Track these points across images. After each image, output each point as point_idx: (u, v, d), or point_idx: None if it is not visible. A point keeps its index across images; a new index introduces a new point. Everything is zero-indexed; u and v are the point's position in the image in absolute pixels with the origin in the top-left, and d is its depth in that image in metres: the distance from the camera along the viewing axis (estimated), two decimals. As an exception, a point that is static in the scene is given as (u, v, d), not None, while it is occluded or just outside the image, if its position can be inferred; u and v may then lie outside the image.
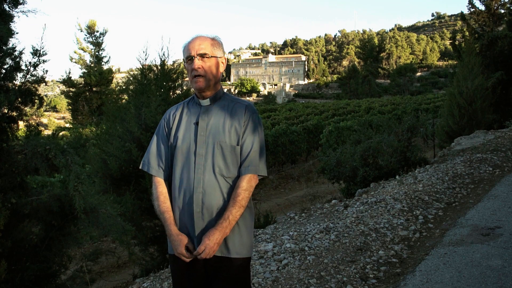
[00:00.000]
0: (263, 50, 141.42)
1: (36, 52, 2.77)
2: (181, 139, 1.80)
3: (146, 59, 5.00)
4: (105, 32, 26.96)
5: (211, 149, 1.75)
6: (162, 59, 5.08)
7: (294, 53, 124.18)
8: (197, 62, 1.74)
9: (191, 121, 1.82)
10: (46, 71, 2.83)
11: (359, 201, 5.09)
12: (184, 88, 5.42)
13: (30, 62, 2.77)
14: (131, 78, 5.16)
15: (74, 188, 2.58)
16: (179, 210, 1.77)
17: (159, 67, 5.07)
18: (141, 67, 5.03)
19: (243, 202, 1.72)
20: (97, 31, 26.70)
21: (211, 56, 1.77)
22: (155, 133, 1.92)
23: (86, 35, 26.52)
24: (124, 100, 5.32)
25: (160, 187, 1.83)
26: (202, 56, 1.75)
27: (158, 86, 4.91)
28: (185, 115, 1.85)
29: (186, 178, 1.75)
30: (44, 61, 2.82)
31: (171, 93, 5.16)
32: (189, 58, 1.76)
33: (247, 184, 1.75)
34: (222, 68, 1.85)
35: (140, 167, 1.92)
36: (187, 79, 5.78)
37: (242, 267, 1.79)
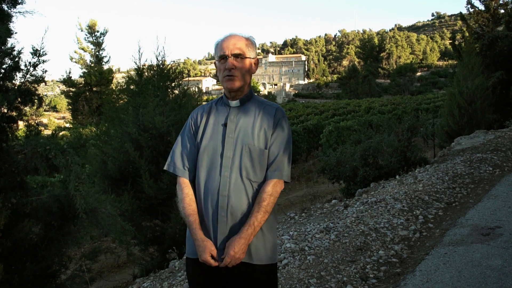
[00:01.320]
0: (263, 50, 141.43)
1: (36, 52, 2.77)
2: (207, 140, 1.75)
3: (140, 59, 4.98)
4: (106, 32, 27.00)
5: (239, 152, 1.70)
6: (158, 59, 5.07)
7: (294, 53, 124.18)
8: (231, 62, 1.70)
9: (219, 122, 1.76)
10: (46, 71, 2.83)
11: (359, 201, 5.09)
12: (185, 88, 5.42)
13: (29, 62, 2.78)
14: (127, 79, 5.16)
15: (75, 188, 2.58)
16: (203, 212, 1.72)
17: (155, 67, 5.06)
18: (137, 67, 5.02)
19: (269, 207, 1.67)
20: (98, 31, 26.74)
21: (245, 57, 1.73)
22: (181, 133, 1.87)
23: (86, 35, 26.56)
24: (122, 101, 5.32)
25: (186, 188, 1.77)
26: (237, 56, 1.71)
27: (155, 87, 4.90)
28: (213, 115, 1.80)
29: (212, 181, 1.70)
30: (43, 61, 2.82)
31: (170, 93, 5.16)
32: (222, 57, 1.71)
33: (273, 189, 1.70)
34: (253, 70, 1.80)
35: (164, 168, 1.85)
36: (186, 79, 5.79)
37: (267, 274, 1.72)
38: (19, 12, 2.68)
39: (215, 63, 1.82)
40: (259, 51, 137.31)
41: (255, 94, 1.86)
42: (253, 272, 1.69)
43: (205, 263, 1.64)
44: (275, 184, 1.71)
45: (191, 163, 1.79)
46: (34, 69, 2.79)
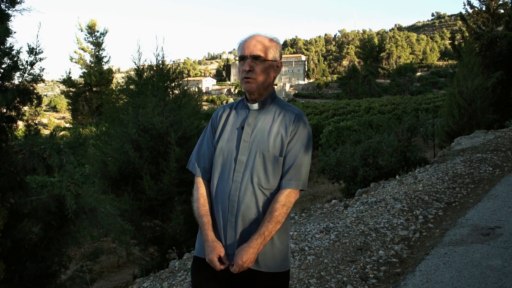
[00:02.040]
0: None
1: (32, 50, 2.76)
2: (224, 143, 1.71)
3: (139, 59, 4.98)
4: (106, 32, 26.97)
5: (252, 157, 1.65)
6: (158, 59, 5.06)
7: (294, 53, 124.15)
8: (249, 64, 1.64)
9: (237, 124, 1.72)
10: (43, 69, 2.81)
11: (359, 201, 5.09)
12: (185, 88, 5.41)
13: (27, 61, 2.76)
14: (127, 79, 5.15)
15: (66, 188, 2.57)
16: (214, 214, 1.70)
17: (155, 67, 5.06)
18: (136, 67, 5.02)
19: (280, 218, 1.62)
20: (98, 31, 26.71)
21: (265, 59, 1.66)
22: (203, 132, 1.84)
23: (86, 35, 26.53)
24: (122, 102, 5.32)
25: (201, 189, 1.75)
26: (256, 58, 1.64)
27: (154, 87, 4.90)
28: (232, 117, 1.75)
29: (223, 184, 1.67)
30: (40, 59, 2.80)
31: (170, 93, 5.15)
32: (241, 58, 1.67)
33: (286, 199, 1.64)
34: (276, 72, 1.73)
35: (186, 167, 1.85)
36: (186, 79, 5.78)
37: (275, 282, 1.67)
38: (16, 10, 2.67)
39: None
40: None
41: (279, 97, 1.80)
42: (259, 279, 1.65)
43: (210, 263, 1.62)
44: (289, 194, 1.66)
45: (208, 164, 1.76)
46: (32, 68, 2.77)
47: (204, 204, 1.71)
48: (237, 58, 1.73)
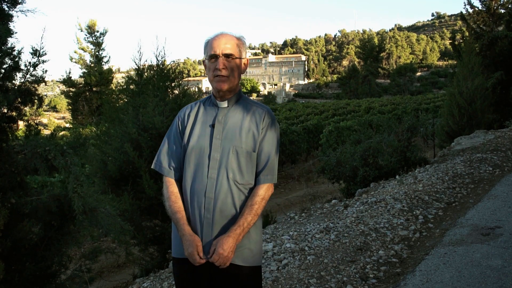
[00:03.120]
0: (263, 50, 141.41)
1: (35, 52, 2.77)
2: (195, 141, 1.73)
3: (140, 59, 4.98)
4: (105, 32, 26.99)
5: (226, 154, 1.68)
6: (158, 58, 5.07)
7: (294, 53, 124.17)
8: (222, 62, 1.66)
9: (207, 122, 1.74)
10: (46, 71, 2.82)
11: (359, 201, 5.09)
12: (185, 88, 5.41)
13: (29, 62, 2.77)
14: (127, 79, 5.15)
15: (73, 189, 2.58)
16: (189, 213, 1.71)
17: (155, 67, 5.06)
18: (137, 67, 5.02)
19: (259, 210, 1.67)
20: (97, 31, 26.73)
21: (236, 57, 1.70)
22: (167, 132, 1.86)
23: (86, 35, 26.56)
24: (122, 101, 5.32)
25: (171, 187, 1.77)
26: (227, 56, 1.67)
27: (155, 87, 4.90)
28: (200, 115, 1.77)
29: (198, 182, 1.69)
30: (43, 61, 2.81)
31: (170, 93, 5.15)
32: (212, 57, 1.68)
33: (265, 193, 1.70)
34: (243, 70, 1.77)
35: (152, 167, 1.86)
36: (185, 79, 5.78)
37: (251, 276, 1.72)
38: (21, 11, 2.68)
39: (203, 61, 1.79)
40: (259, 51, 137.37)
41: (245, 95, 1.84)
42: (239, 273, 1.68)
43: (189, 257, 1.63)
44: (268, 188, 1.72)
45: (177, 163, 1.78)
46: (34, 69, 2.78)
47: (176, 201, 1.74)
48: (205, 58, 1.74)
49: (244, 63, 1.76)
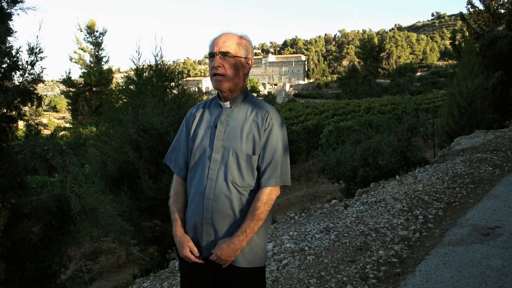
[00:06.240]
0: (263, 50, 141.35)
1: (32, 50, 2.75)
2: (198, 141, 1.73)
3: (139, 59, 4.97)
4: (105, 32, 27.01)
5: (226, 156, 1.66)
6: (157, 59, 5.06)
7: (294, 53, 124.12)
8: (218, 61, 1.65)
9: (211, 123, 1.73)
10: (44, 68, 2.81)
11: (359, 201, 5.09)
12: (184, 88, 5.41)
13: (27, 61, 2.75)
14: (126, 79, 5.15)
15: (70, 189, 2.57)
16: (191, 212, 1.72)
17: (154, 67, 5.05)
18: (136, 67, 5.01)
19: (262, 215, 1.65)
20: (97, 31, 26.76)
21: (234, 56, 1.66)
22: (179, 131, 1.87)
23: (85, 35, 26.58)
24: (121, 102, 5.32)
25: (176, 186, 1.80)
26: (224, 54, 1.65)
27: (154, 87, 4.90)
28: (206, 115, 1.77)
29: (199, 182, 1.69)
30: (41, 59, 2.79)
31: (169, 93, 5.15)
32: (211, 55, 1.68)
33: (267, 197, 1.67)
34: (246, 69, 1.73)
35: (163, 161, 1.88)
36: (185, 79, 5.78)
37: (254, 277, 1.71)
38: (21, 9, 2.67)
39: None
40: (259, 51, 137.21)
41: (252, 94, 1.80)
42: (240, 274, 1.68)
43: (184, 257, 1.67)
44: (270, 192, 1.68)
45: (183, 162, 1.80)
46: (32, 68, 2.77)
47: (176, 201, 1.77)
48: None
49: (246, 63, 1.72)
